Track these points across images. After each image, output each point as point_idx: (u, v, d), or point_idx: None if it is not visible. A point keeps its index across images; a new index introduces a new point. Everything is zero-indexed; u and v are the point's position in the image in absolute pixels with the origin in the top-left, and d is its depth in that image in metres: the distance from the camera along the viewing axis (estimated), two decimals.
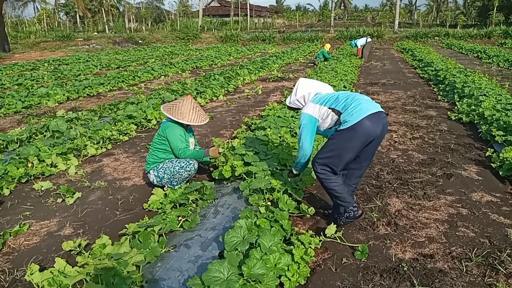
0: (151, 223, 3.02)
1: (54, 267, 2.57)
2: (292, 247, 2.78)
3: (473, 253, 2.86)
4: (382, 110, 2.93)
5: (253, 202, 3.42)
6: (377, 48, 26.53)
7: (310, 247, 2.85)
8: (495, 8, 41.98)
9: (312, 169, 3.23)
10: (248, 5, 55.14)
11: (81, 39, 32.74)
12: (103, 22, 48.87)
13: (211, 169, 4.51)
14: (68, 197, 4.03)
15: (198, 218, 3.29)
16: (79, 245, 2.96)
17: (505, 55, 16.14)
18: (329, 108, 3.00)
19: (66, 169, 4.85)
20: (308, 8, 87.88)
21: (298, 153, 3.23)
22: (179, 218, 3.31)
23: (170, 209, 3.47)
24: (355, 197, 3.70)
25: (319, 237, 3.01)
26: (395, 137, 5.86)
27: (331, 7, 46.22)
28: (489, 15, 43.70)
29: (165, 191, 3.89)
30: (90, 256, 2.77)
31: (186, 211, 3.35)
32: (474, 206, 3.67)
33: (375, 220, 3.43)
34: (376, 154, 5.14)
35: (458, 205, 3.70)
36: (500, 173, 4.34)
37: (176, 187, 4.00)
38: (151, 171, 4.08)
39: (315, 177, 3.48)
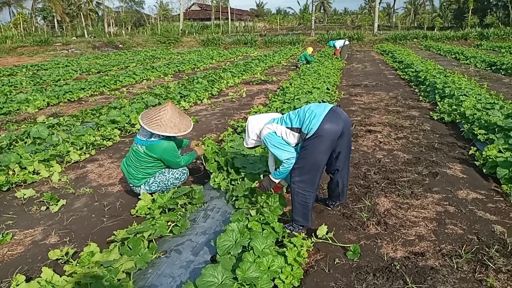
0: (140, 229, 2.96)
1: (41, 277, 2.49)
2: (284, 249, 2.77)
3: (462, 250, 2.90)
4: (332, 105, 3.04)
5: (239, 206, 3.41)
6: (358, 51, 26.89)
7: (303, 248, 2.84)
8: (470, 11, 43.09)
9: None
10: (229, 8, 55.12)
11: (59, 44, 32.15)
12: (82, 27, 48.16)
13: (201, 166, 4.50)
14: (52, 204, 3.93)
15: (188, 222, 3.25)
16: (67, 253, 2.88)
17: (481, 56, 16.55)
18: (287, 127, 3.03)
19: (49, 176, 4.72)
20: (289, 11, 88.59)
21: (280, 166, 3.11)
22: (169, 223, 3.26)
23: (159, 214, 3.41)
24: (346, 196, 3.70)
25: (311, 239, 3.00)
26: (380, 138, 5.92)
27: (312, 11, 46.66)
28: (465, 18, 44.85)
29: (153, 196, 3.82)
30: (78, 264, 2.70)
31: (176, 215, 3.30)
32: (461, 203, 3.73)
33: (365, 220, 3.45)
34: (363, 155, 5.19)
35: (445, 203, 3.75)
36: (484, 170, 4.43)
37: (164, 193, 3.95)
38: (141, 186, 3.89)
39: None
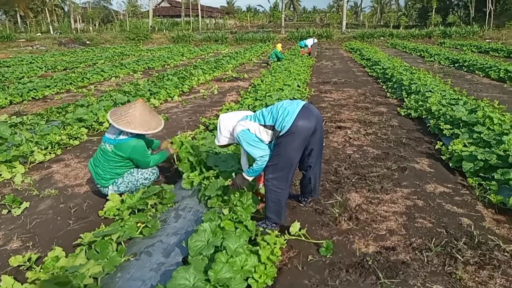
0: (108, 231, 2.86)
1: (0, 286, 2.35)
2: (258, 247, 2.74)
3: (432, 243, 2.96)
4: (305, 102, 3.06)
5: (211, 205, 3.36)
6: (327, 48, 27.21)
7: (276, 246, 2.83)
8: (433, 10, 44.45)
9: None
10: (199, 5, 54.57)
11: (23, 40, 30.96)
12: (47, 23, 46.48)
13: (176, 163, 4.39)
14: (14, 207, 3.75)
15: (158, 223, 3.17)
16: (29, 259, 2.75)
17: (445, 54, 17.08)
18: (260, 125, 3.02)
19: (11, 178, 4.51)
20: (259, 9, 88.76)
21: (254, 163, 3.07)
22: (138, 224, 3.17)
23: (128, 216, 3.31)
24: (318, 192, 3.71)
25: (284, 236, 2.99)
26: (349, 134, 5.99)
27: (281, 9, 46.84)
28: (428, 16, 46.22)
29: (121, 197, 3.71)
30: (42, 270, 2.58)
31: (146, 216, 3.21)
32: (429, 197, 3.81)
33: (337, 215, 3.47)
34: (333, 151, 5.23)
35: (414, 197, 3.83)
36: (450, 164, 4.55)
37: (134, 193, 3.85)
38: (109, 187, 3.77)
39: None
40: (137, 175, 3.79)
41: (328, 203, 3.72)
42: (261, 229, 3.10)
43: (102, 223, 3.37)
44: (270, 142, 3.08)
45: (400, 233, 3.16)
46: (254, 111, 3.32)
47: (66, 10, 56.49)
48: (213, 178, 3.70)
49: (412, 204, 3.68)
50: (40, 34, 38.42)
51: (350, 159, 4.91)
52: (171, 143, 4.24)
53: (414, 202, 3.73)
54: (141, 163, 3.74)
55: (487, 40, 28.77)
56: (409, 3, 58.64)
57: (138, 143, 3.63)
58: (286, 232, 3.05)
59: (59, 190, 4.21)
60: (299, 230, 3.06)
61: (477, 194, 3.83)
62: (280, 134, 2.92)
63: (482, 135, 4.90)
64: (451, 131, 5.45)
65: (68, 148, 5.65)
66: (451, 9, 51.60)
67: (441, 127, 5.63)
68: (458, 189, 4.01)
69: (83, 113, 6.55)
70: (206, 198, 3.44)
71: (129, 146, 3.58)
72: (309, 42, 18.39)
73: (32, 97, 9.58)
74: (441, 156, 4.80)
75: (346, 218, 3.42)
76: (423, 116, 6.69)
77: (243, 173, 3.22)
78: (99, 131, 6.42)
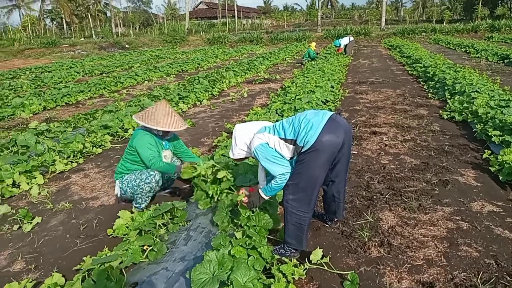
0: (108, 258, 2.61)
1: None
2: (271, 280, 2.41)
3: (478, 279, 2.51)
4: (332, 113, 2.67)
5: (223, 228, 3.05)
6: (365, 46, 26.28)
7: (294, 277, 2.49)
8: (480, 2, 42.05)
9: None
10: (235, 6, 54.69)
11: (66, 45, 32.07)
12: (90, 28, 48.13)
13: (188, 186, 4.11)
14: (26, 222, 3.63)
15: (164, 248, 2.89)
16: (25, 287, 2.55)
17: (493, 49, 15.91)
18: (280, 138, 2.66)
19: (29, 189, 4.42)
20: (296, 8, 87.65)
21: (272, 180, 2.73)
22: (145, 247, 2.92)
23: (135, 236, 3.07)
24: (344, 213, 3.34)
25: (304, 265, 2.63)
26: (385, 140, 5.51)
27: (318, 6, 46.00)
28: (475, 10, 43.76)
29: (132, 212, 3.49)
30: None
31: (152, 238, 2.95)
32: (475, 218, 3.32)
33: (366, 240, 3.07)
34: (366, 160, 4.79)
35: (457, 217, 3.35)
36: (500, 177, 4.00)
37: (142, 206, 3.63)
38: (117, 182, 3.78)
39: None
40: (136, 174, 3.62)
41: (357, 224, 3.32)
42: (277, 256, 2.75)
43: (109, 243, 3.16)
44: (291, 158, 2.73)
45: (440, 263, 2.72)
46: (282, 116, 2.97)
47: (108, 15, 58.33)
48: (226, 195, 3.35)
49: (455, 227, 3.20)
50: (83, 39, 39.78)
51: (385, 170, 4.45)
52: (194, 167, 3.67)
53: (457, 224, 3.25)
54: (143, 157, 3.61)
55: None
56: None
57: (144, 135, 3.64)
58: (306, 259, 2.69)
59: (73, 204, 4.06)
60: (322, 258, 2.69)
61: None
62: (303, 150, 2.56)
63: None
64: (501, 137, 4.85)
65: (90, 156, 5.55)
66: (499, 1, 48.62)
67: (489, 133, 5.03)
68: (510, 208, 3.49)
69: (108, 120, 6.46)
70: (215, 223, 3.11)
71: (136, 134, 3.68)
72: (345, 41, 17.53)
73: (66, 103, 9.70)
74: (490, 168, 4.24)
75: (376, 243, 3.01)
76: (469, 120, 6.07)
77: (260, 190, 2.88)
78: (124, 138, 6.30)
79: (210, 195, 3.45)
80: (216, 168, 3.46)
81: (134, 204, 3.67)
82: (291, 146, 2.64)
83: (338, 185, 2.98)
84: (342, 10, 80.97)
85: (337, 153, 2.65)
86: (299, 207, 2.66)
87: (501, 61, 13.52)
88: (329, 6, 74.34)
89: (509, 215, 3.36)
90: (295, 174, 2.64)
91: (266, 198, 2.86)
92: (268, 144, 2.68)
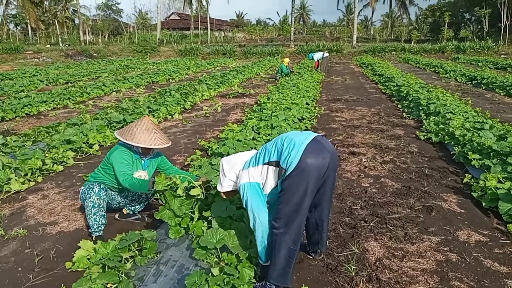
0: None
1: None
2: None
3: None
4: (316, 134, 2.50)
5: (199, 257, 2.76)
6: (337, 63, 26.69)
7: None
8: (446, 24, 43.81)
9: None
10: (208, 18, 54.60)
11: (30, 51, 30.84)
12: (57, 35, 46.63)
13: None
14: None
15: (131, 286, 2.55)
16: None
17: (461, 70, 16.40)
18: (263, 164, 2.49)
19: None
20: (268, 22, 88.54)
21: (256, 235, 2.52)
22: (108, 285, 2.57)
23: (97, 272, 2.71)
24: (327, 243, 3.12)
25: None
26: (364, 161, 5.36)
27: (291, 22, 46.58)
28: (441, 31, 45.53)
29: (95, 242, 3.12)
30: None
31: (117, 276, 2.60)
32: (463, 249, 3.17)
33: (353, 274, 2.84)
34: (347, 182, 4.61)
35: (445, 248, 3.19)
36: (483, 204, 3.90)
37: (97, 233, 3.36)
38: (83, 186, 3.54)
39: None
40: (87, 190, 3.40)
41: (342, 255, 3.09)
42: None
43: (68, 279, 2.80)
44: (276, 187, 2.51)
45: None
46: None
47: (76, 22, 56.77)
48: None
49: (444, 259, 3.03)
50: (49, 46, 38.45)
51: (367, 194, 4.27)
52: (170, 178, 3.30)
53: (446, 255, 3.08)
54: (116, 171, 3.35)
55: (502, 56, 27.99)
56: (421, 17, 58.08)
57: (122, 151, 3.42)
58: None
59: (28, 230, 3.63)
60: None
61: None
62: (287, 173, 2.34)
63: None
64: (480, 161, 4.79)
65: (50, 174, 5.10)
66: (463, 24, 50.86)
67: (469, 157, 4.96)
68: (496, 237, 3.37)
69: (71, 134, 6.01)
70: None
71: (115, 149, 3.48)
72: (317, 55, 17.78)
73: (26, 113, 9.10)
74: (472, 193, 4.15)
75: (364, 279, 2.78)
76: (446, 142, 6.04)
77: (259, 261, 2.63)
78: (88, 154, 5.87)
79: (179, 220, 3.16)
80: (191, 184, 3.17)
81: (90, 230, 3.34)
82: (275, 168, 2.45)
83: (321, 213, 2.77)
84: (314, 27, 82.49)
85: (323, 175, 2.44)
86: (289, 240, 2.42)
87: (470, 82, 13.91)
88: (301, 22, 75.63)
89: (496, 245, 3.23)
90: (281, 203, 2.41)
91: (265, 264, 2.60)
92: (253, 182, 2.51)
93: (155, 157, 3.65)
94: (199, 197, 3.13)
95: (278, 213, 2.42)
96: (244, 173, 2.55)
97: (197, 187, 3.10)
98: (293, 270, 2.54)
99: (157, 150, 3.64)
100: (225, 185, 2.68)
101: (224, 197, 2.84)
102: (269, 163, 2.47)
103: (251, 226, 2.52)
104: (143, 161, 3.53)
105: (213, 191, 3.30)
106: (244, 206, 2.51)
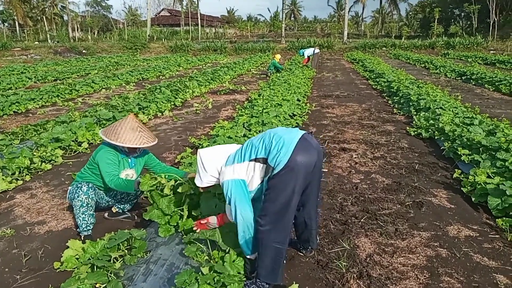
0: None
1: None
2: None
3: None
4: (304, 132, 2.47)
5: (188, 254, 2.73)
6: (328, 59, 26.72)
7: None
8: (436, 20, 44.09)
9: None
10: (198, 14, 54.23)
11: (18, 48, 30.42)
12: (45, 31, 46.00)
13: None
14: None
15: (120, 286, 2.52)
16: None
17: (451, 66, 16.51)
18: (250, 161, 2.45)
19: None
20: (259, 18, 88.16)
21: (238, 230, 2.46)
22: (97, 285, 2.54)
23: (86, 272, 2.67)
24: (318, 238, 3.12)
25: None
26: (355, 157, 5.37)
27: (282, 18, 46.51)
28: (431, 27, 45.83)
29: (84, 241, 3.08)
30: None
31: (106, 276, 2.57)
32: (453, 244, 3.18)
33: (344, 271, 2.84)
34: (337, 179, 4.61)
35: (436, 243, 3.20)
36: (473, 199, 3.93)
37: (85, 232, 3.31)
38: (71, 186, 3.49)
39: None
40: (75, 189, 3.36)
41: (333, 251, 3.09)
42: None
43: (56, 279, 2.77)
44: (261, 183, 2.48)
45: None
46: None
47: (65, 18, 56.00)
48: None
49: (434, 255, 3.04)
50: (37, 42, 37.94)
51: (357, 190, 4.28)
52: (155, 178, 3.27)
53: (436, 251, 3.09)
54: (102, 172, 3.32)
55: (491, 52, 28.25)
56: (411, 13, 58.36)
57: (107, 151, 3.37)
58: None
59: (16, 230, 3.58)
60: None
61: (509, 239, 3.22)
62: (274, 172, 2.32)
63: (507, 164, 4.26)
64: (470, 157, 4.83)
65: (39, 173, 5.03)
66: (452, 20, 51.23)
67: (458, 152, 4.99)
68: (485, 232, 3.39)
69: (60, 132, 5.93)
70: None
71: (100, 148, 3.43)
72: (308, 52, 17.80)
73: (14, 111, 8.96)
74: (462, 188, 4.17)
75: (355, 275, 2.78)
76: (435, 137, 6.07)
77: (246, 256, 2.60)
78: (77, 152, 5.80)
79: (168, 218, 3.13)
80: (178, 182, 3.14)
81: (78, 230, 3.30)
82: (262, 165, 2.42)
83: (309, 211, 2.77)
84: (305, 23, 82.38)
85: (309, 175, 2.42)
86: (275, 238, 2.38)
87: (459, 78, 14.01)
88: (292, 18, 75.52)
89: (485, 240, 3.26)
90: (268, 202, 2.37)
91: (252, 258, 2.58)
92: (238, 179, 2.45)
93: (141, 154, 3.61)
94: (188, 193, 3.10)
95: (263, 211, 2.39)
96: (228, 169, 2.49)
97: (185, 184, 3.07)
98: (283, 267, 2.53)
99: (143, 148, 3.59)
100: (205, 181, 2.63)
101: (201, 190, 2.81)
102: (256, 160, 2.43)
103: (233, 220, 2.48)
104: (129, 160, 3.49)
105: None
106: (227, 203, 2.47)
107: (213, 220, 2.76)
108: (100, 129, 6.61)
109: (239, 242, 2.50)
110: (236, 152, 2.57)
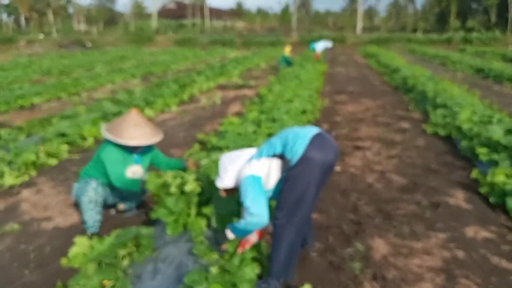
0: None
1: None
2: None
3: None
4: (321, 130, 2.45)
5: (198, 252, 2.66)
6: (340, 54, 26.35)
7: None
8: (452, 14, 43.14)
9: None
10: (205, 7, 53.82)
11: (24, 41, 30.44)
12: (51, 24, 46.03)
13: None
14: None
15: (128, 283, 2.45)
16: None
17: (468, 62, 16.08)
18: (267, 157, 2.44)
19: None
20: (269, 11, 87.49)
21: (241, 220, 2.44)
22: (104, 282, 2.47)
23: (93, 269, 2.60)
24: (313, 238, 3.01)
25: None
26: (369, 156, 5.24)
27: (293, 11, 45.89)
28: (447, 21, 44.89)
29: (90, 238, 3.01)
30: None
31: (115, 272, 2.51)
32: (470, 246, 3.07)
33: (358, 272, 2.74)
34: (351, 178, 4.50)
35: (452, 244, 3.10)
36: (490, 200, 3.80)
37: (93, 229, 3.23)
38: (76, 183, 3.42)
39: None
40: (83, 185, 3.28)
41: (347, 252, 2.99)
42: None
43: (63, 275, 2.72)
44: (279, 181, 2.48)
45: None
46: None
47: (71, 11, 56.02)
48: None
49: (450, 257, 2.93)
50: (42, 35, 37.95)
51: (372, 190, 4.16)
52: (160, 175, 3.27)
53: (452, 253, 2.99)
54: (109, 172, 3.24)
55: (510, 48, 27.46)
56: (427, 7, 57.16)
57: (111, 150, 3.28)
58: None
59: (23, 225, 3.53)
60: None
61: None
62: (291, 163, 2.31)
63: None
64: (488, 156, 4.66)
65: (45, 168, 4.96)
66: (469, 14, 50.16)
67: (476, 151, 4.83)
68: (503, 234, 3.28)
69: (66, 127, 5.85)
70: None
71: (104, 147, 3.33)
72: (320, 46, 17.31)
73: (20, 106, 8.88)
74: (479, 189, 4.04)
75: (369, 277, 2.69)
76: (452, 135, 5.89)
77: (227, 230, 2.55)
78: (83, 147, 5.72)
79: (176, 216, 3.05)
80: (185, 179, 3.06)
81: (84, 227, 3.23)
82: (279, 161, 2.45)
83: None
84: (316, 16, 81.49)
85: (325, 172, 2.38)
86: (291, 232, 2.36)
87: (477, 74, 13.66)
88: (303, 11, 74.78)
89: (503, 242, 3.14)
90: (284, 192, 2.35)
91: (230, 237, 2.53)
92: (256, 175, 2.41)
93: (147, 150, 3.52)
94: (196, 192, 3.02)
95: (280, 203, 2.37)
96: (246, 167, 2.46)
97: (192, 182, 2.99)
98: (295, 264, 2.50)
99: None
100: (226, 180, 2.56)
101: (224, 195, 2.70)
102: (273, 156, 2.44)
103: (249, 211, 2.36)
104: (135, 156, 3.41)
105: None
106: (241, 198, 2.38)
107: (254, 237, 2.65)
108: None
109: (232, 223, 2.53)
110: (256, 152, 2.55)
